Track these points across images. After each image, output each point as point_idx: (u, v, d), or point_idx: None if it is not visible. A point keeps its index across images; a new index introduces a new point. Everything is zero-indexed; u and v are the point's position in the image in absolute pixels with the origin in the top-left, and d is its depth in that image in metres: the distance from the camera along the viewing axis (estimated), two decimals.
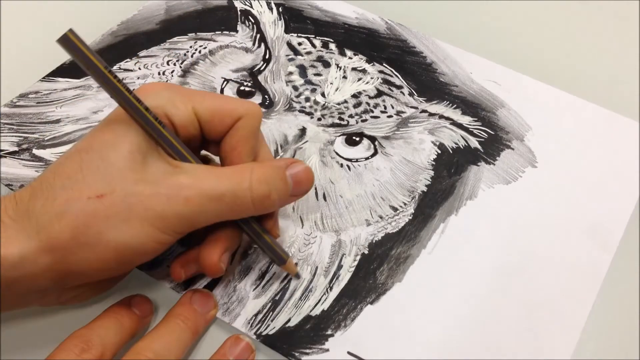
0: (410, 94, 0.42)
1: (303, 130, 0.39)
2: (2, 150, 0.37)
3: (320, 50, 0.44)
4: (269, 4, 0.48)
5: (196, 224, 0.28)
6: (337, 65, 0.43)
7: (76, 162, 0.26)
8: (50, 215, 0.25)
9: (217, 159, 0.32)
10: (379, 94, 0.42)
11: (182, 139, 0.29)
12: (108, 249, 0.26)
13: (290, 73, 0.43)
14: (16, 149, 0.37)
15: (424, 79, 0.43)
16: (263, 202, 0.28)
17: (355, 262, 0.34)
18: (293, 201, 0.32)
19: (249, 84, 0.42)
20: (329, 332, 0.31)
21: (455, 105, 0.41)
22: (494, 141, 0.39)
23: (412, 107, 0.41)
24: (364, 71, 0.43)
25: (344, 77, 0.42)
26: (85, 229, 0.25)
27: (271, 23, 0.46)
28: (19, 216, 0.25)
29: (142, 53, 0.44)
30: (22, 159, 0.37)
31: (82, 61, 0.25)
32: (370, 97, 0.41)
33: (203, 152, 0.32)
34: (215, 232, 0.30)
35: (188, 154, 0.28)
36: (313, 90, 0.41)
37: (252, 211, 0.29)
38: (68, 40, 0.25)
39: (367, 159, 0.38)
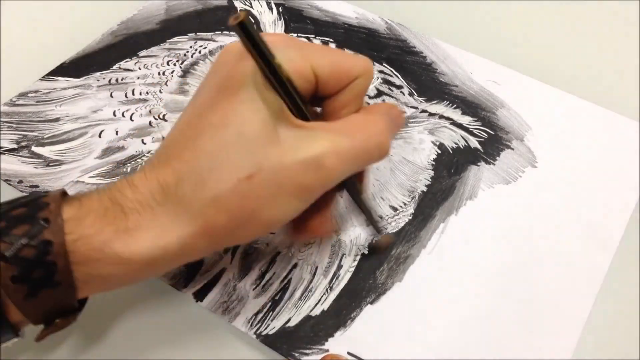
0: (410, 94, 0.42)
1: None
2: (2, 148, 0.37)
3: None
4: (269, 4, 0.48)
5: (331, 187, 0.27)
6: None
7: (215, 140, 0.25)
8: (203, 201, 0.25)
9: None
10: (379, 93, 0.42)
11: None
12: (259, 224, 0.26)
13: None
14: (15, 146, 0.37)
15: (424, 79, 0.43)
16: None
17: (355, 262, 0.34)
18: None
19: None
20: (329, 332, 0.31)
21: (455, 105, 0.41)
22: (494, 141, 0.39)
23: (412, 107, 0.41)
24: None
25: None
26: (239, 210, 0.25)
27: (271, 23, 0.46)
28: (169, 202, 0.25)
29: (142, 53, 0.44)
30: (21, 156, 0.37)
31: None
32: (370, 97, 0.41)
33: None
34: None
35: (309, 113, 0.27)
36: None
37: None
38: None
39: None
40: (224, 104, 0.26)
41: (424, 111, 0.41)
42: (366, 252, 0.34)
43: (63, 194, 0.26)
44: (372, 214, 0.33)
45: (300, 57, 0.27)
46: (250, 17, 0.23)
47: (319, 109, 0.30)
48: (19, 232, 0.23)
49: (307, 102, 0.27)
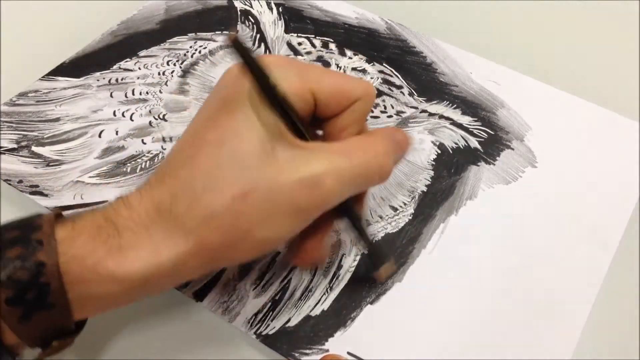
0: (410, 94, 0.42)
1: None
2: (2, 148, 0.37)
3: (320, 50, 0.44)
4: (269, 4, 0.48)
5: (328, 208, 0.27)
6: (337, 65, 0.43)
7: (211, 158, 0.25)
8: (197, 219, 0.25)
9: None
10: (379, 94, 0.42)
11: None
12: (253, 244, 0.26)
13: None
14: (15, 146, 0.37)
15: (424, 79, 0.43)
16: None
17: (355, 262, 0.34)
18: None
19: None
20: (329, 332, 0.31)
21: (455, 105, 0.41)
22: (494, 141, 0.39)
23: (412, 107, 0.41)
24: (363, 71, 0.43)
25: None
26: (233, 229, 0.25)
27: (271, 23, 0.46)
28: (163, 220, 0.25)
29: (142, 53, 0.44)
30: (21, 156, 0.37)
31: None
32: None
33: None
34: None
35: (309, 133, 0.27)
36: None
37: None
38: None
39: None
40: (220, 123, 0.26)
41: (424, 111, 0.41)
42: (366, 252, 0.34)
43: (57, 215, 0.26)
44: (371, 242, 0.32)
45: (298, 78, 0.27)
46: (241, 37, 0.24)
47: (320, 132, 0.30)
48: (12, 254, 0.23)
49: (305, 123, 0.27)
